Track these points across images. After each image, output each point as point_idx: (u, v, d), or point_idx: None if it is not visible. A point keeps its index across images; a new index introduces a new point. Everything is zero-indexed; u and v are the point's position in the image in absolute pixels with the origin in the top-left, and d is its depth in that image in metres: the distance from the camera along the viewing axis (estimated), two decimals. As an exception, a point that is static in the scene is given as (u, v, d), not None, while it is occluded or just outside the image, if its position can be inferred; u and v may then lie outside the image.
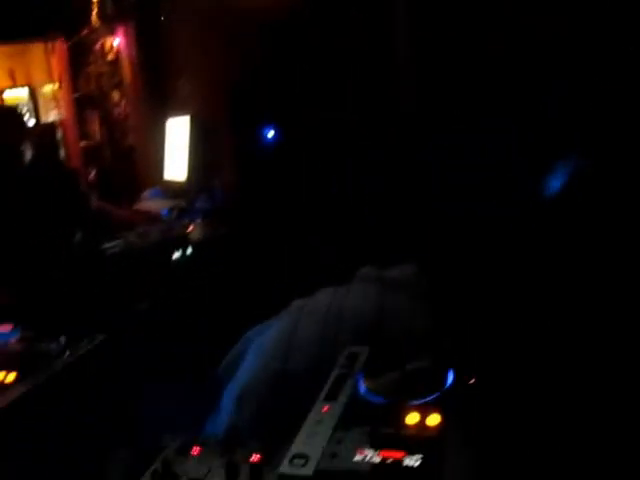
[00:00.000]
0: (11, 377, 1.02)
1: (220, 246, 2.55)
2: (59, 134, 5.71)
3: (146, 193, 4.01)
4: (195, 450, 1.05)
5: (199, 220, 2.93)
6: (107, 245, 2.55)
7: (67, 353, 1.11)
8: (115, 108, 5.42)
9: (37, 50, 6.57)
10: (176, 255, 2.51)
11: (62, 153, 5.53)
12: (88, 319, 1.41)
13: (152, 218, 3.27)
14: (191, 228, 2.76)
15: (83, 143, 5.93)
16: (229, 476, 0.98)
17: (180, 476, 0.98)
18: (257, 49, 3.04)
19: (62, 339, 1.16)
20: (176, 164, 3.84)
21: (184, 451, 1.06)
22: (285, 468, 0.75)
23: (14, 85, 7.07)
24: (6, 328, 1.78)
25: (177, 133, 3.91)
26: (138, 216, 3.37)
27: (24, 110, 5.90)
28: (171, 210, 3.31)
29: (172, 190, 3.77)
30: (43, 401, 1.00)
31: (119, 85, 5.27)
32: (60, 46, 5.91)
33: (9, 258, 2.33)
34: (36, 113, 6.79)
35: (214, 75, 3.58)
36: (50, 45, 5.86)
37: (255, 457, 1.01)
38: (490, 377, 0.90)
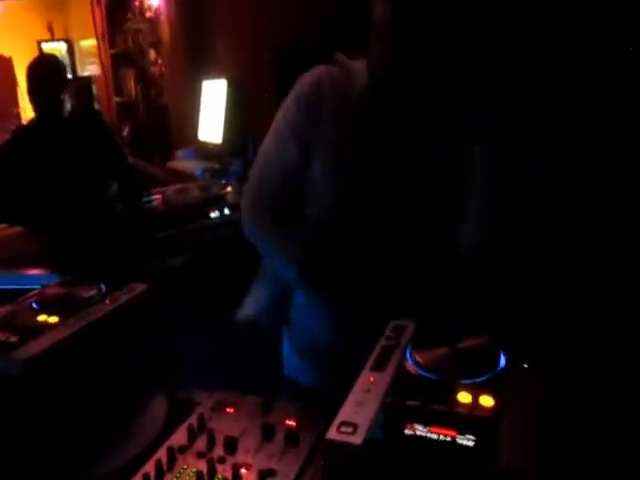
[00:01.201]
0: (53, 319, 1.01)
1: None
2: (95, 89, 5.70)
3: (180, 152, 4.00)
4: (230, 408, 1.05)
5: (234, 182, 2.91)
6: (147, 199, 2.55)
7: (107, 300, 1.10)
8: (151, 66, 5.40)
9: (76, 4, 6.56)
10: (213, 214, 2.50)
11: (97, 107, 5.53)
12: (127, 269, 1.41)
13: (185, 177, 3.27)
14: (228, 189, 2.75)
15: (118, 99, 5.93)
16: (265, 437, 0.97)
17: (215, 433, 0.97)
18: (301, 12, 2.96)
19: (102, 286, 1.15)
20: (211, 126, 3.82)
21: (219, 408, 1.05)
22: (333, 434, 0.73)
23: (52, 38, 7.08)
24: (41, 272, 1.80)
25: (213, 95, 3.88)
26: (171, 174, 3.37)
27: (62, 62, 5.90)
28: (205, 171, 3.30)
29: (206, 151, 3.75)
30: (84, 345, 1.00)
31: (157, 43, 5.24)
32: (100, 1, 5.88)
33: (50, 204, 2.35)
34: (73, 67, 6.81)
35: (254, 38, 3.52)
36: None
37: (291, 421, 1.00)
38: (543, 362, 0.87)
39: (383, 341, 0.94)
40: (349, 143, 1.16)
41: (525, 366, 0.85)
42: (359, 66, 1.18)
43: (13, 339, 0.95)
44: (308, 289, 1.27)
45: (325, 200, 1.19)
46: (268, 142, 1.27)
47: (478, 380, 0.80)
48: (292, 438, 0.96)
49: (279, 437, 0.97)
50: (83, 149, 2.47)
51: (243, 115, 3.54)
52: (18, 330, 0.98)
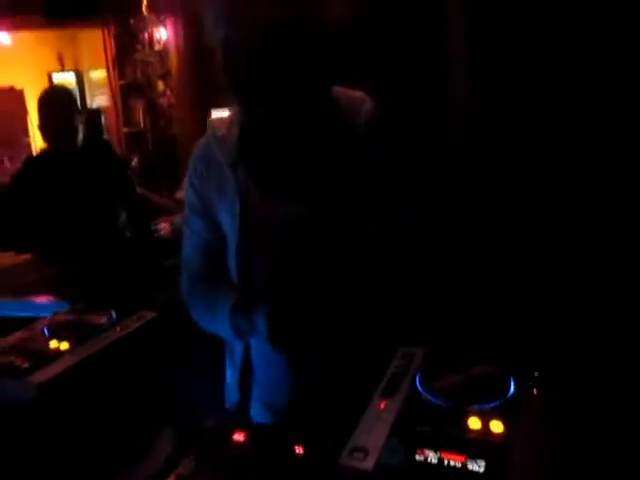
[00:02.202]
0: (65, 345, 1.03)
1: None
2: (104, 119, 5.79)
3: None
4: (238, 436, 1.04)
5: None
6: (155, 227, 2.58)
7: (117, 328, 1.11)
8: (160, 97, 5.49)
9: (86, 35, 6.70)
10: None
11: (106, 137, 5.61)
12: (136, 297, 1.42)
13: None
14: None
15: (126, 129, 6.02)
16: (273, 465, 0.96)
17: (224, 462, 0.97)
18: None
19: (113, 314, 1.16)
20: (218, 156, 3.86)
21: (226, 435, 1.05)
22: (345, 460, 0.73)
23: (62, 69, 7.22)
24: (51, 299, 1.81)
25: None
26: (179, 204, 3.40)
27: (71, 93, 6.00)
28: (212, 201, 3.32)
29: (213, 181, 3.79)
30: (93, 372, 1.00)
31: (165, 75, 5.34)
32: (110, 32, 6.01)
33: (61, 233, 2.37)
34: (82, 98, 6.92)
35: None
36: (103, 30, 5.95)
37: (299, 448, 1.00)
38: (553, 388, 0.87)
39: (392, 368, 0.94)
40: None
41: (535, 392, 0.85)
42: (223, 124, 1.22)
43: (26, 364, 0.97)
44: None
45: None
46: (184, 231, 1.30)
47: (488, 406, 0.81)
48: (301, 465, 0.96)
49: (288, 464, 0.97)
50: (94, 179, 2.51)
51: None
52: (31, 356, 0.99)
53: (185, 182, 1.29)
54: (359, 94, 1.21)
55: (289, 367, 1.18)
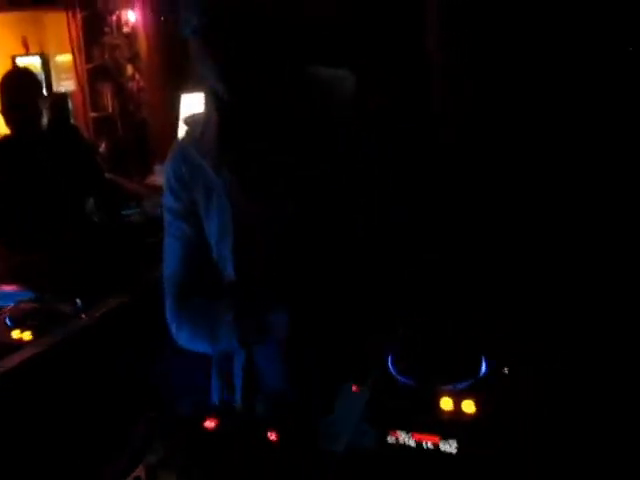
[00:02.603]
0: (27, 335, 1.00)
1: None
2: (70, 104, 5.66)
3: (158, 167, 3.97)
4: (210, 423, 1.03)
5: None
6: (124, 212, 2.53)
7: (82, 316, 1.08)
8: (129, 81, 5.38)
9: (51, 19, 6.51)
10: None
11: (73, 122, 5.48)
12: (104, 284, 1.39)
13: (163, 191, 3.25)
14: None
15: (94, 114, 5.89)
16: (246, 452, 0.95)
17: (196, 449, 0.95)
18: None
19: (78, 301, 1.13)
20: (189, 140, 3.80)
21: (198, 422, 1.03)
22: (317, 444, 0.72)
23: (27, 53, 7.02)
24: (15, 288, 1.76)
25: (192, 108, 3.86)
26: (149, 189, 3.34)
27: (37, 77, 5.85)
28: (183, 185, 3.28)
29: (184, 165, 3.73)
30: (58, 361, 0.97)
31: (134, 58, 5.22)
32: (75, 15, 5.85)
33: (26, 219, 2.31)
34: (48, 82, 6.75)
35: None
36: (67, 13, 5.79)
37: (272, 434, 0.98)
38: (524, 368, 0.87)
39: (366, 351, 0.93)
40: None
41: (506, 371, 0.84)
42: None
43: (-15, 356, 0.93)
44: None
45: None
46: (165, 243, 1.23)
47: (460, 386, 0.80)
48: (274, 451, 0.95)
49: (261, 451, 0.95)
50: (60, 164, 2.44)
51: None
52: (-9, 346, 0.96)
53: (164, 187, 1.21)
54: (341, 72, 1.16)
55: (289, 371, 1.14)
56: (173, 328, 1.18)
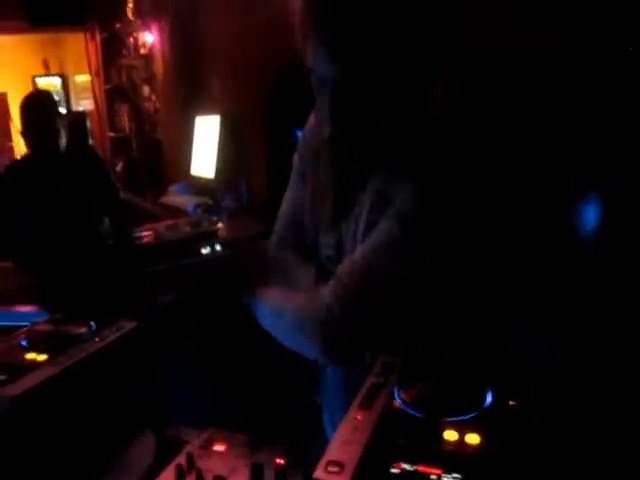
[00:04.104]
0: (42, 357, 1.02)
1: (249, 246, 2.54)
2: (89, 124, 5.75)
3: (172, 188, 4.03)
4: (219, 447, 1.04)
5: (226, 218, 2.94)
6: (137, 234, 2.56)
7: (96, 338, 1.10)
8: (145, 102, 5.48)
9: (71, 40, 6.68)
10: (204, 250, 2.51)
11: (91, 142, 5.57)
12: (117, 306, 1.41)
13: (177, 213, 3.29)
14: (220, 225, 2.77)
15: (111, 134, 5.99)
16: (254, 476, 0.96)
17: (204, 472, 0.97)
18: (294, 48, 3.03)
19: (92, 324, 1.15)
20: (204, 161, 3.86)
21: (207, 446, 1.05)
22: (320, 474, 0.73)
23: (47, 73, 7.18)
24: (30, 308, 1.79)
25: (206, 131, 3.93)
26: (163, 210, 3.39)
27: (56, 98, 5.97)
28: (197, 206, 3.33)
29: (198, 186, 3.79)
30: (73, 383, 0.99)
31: (150, 80, 5.32)
32: (95, 37, 5.99)
33: (42, 240, 2.35)
34: (67, 102, 6.89)
35: (247, 74, 3.59)
36: (86, 35, 5.93)
37: (280, 460, 1.00)
38: (531, 400, 0.88)
39: (371, 378, 0.94)
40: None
41: (512, 403, 0.85)
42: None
43: (1, 377, 0.95)
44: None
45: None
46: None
47: (464, 418, 0.81)
48: (281, 476, 0.96)
49: (268, 476, 0.97)
50: (77, 185, 2.49)
51: (236, 151, 3.59)
52: (6, 368, 0.98)
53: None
54: None
55: None
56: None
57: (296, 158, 1.31)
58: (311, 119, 1.29)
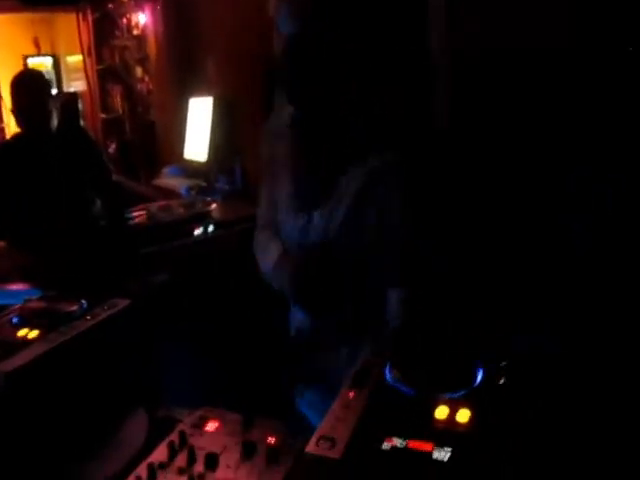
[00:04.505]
0: (34, 334, 1.02)
1: (241, 227, 2.54)
2: (80, 104, 5.70)
3: (166, 170, 4.01)
4: (212, 425, 1.05)
5: (220, 200, 2.93)
6: (130, 215, 2.56)
7: (88, 316, 1.10)
8: (138, 83, 5.41)
9: (62, 20, 6.58)
10: (198, 231, 2.51)
11: (82, 123, 5.53)
12: (110, 285, 1.42)
13: (170, 194, 3.28)
14: (213, 206, 2.76)
15: (104, 115, 5.93)
16: (245, 454, 0.97)
17: (196, 450, 0.97)
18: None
19: (84, 302, 1.15)
20: (197, 143, 3.83)
21: (200, 425, 1.05)
22: (312, 448, 0.74)
23: (38, 53, 7.08)
24: (23, 286, 1.79)
25: (200, 113, 3.90)
26: (156, 192, 3.37)
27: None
28: (190, 189, 3.32)
29: (191, 169, 3.76)
30: (64, 360, 1.00)
31: (143, 60, 5.26)
32: (87, 17, 5.91)
33: (34, 220, 2.34)
34: (58, 82, 6.81)
35: (241, 56, 3.55)
36: (78, 15, 5.85)
37: (272, 439, 1.00)
38: (519, 377, 0.89)
39: (364, 356, 0.95)
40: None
41: (502, 381, 0.86)
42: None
43: (-7, 354, 0.95)
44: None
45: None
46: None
47: (455, 395, 0.82)
48: (273, 455, 0.96)
49: (260, 454, 0.97)
50: (68, 165, 2.47)
51: (229, 133, 3.56)
52: (-1, 345, 0.98)
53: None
54: (391, 158, 1.26)
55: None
56: (255, 252, 1.45)
57: (264, 152, 1.44)
58: (275, 116, 1.42)
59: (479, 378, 0.86)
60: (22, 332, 1.02)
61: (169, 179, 3.85)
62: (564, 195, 1.76)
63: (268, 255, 1.38)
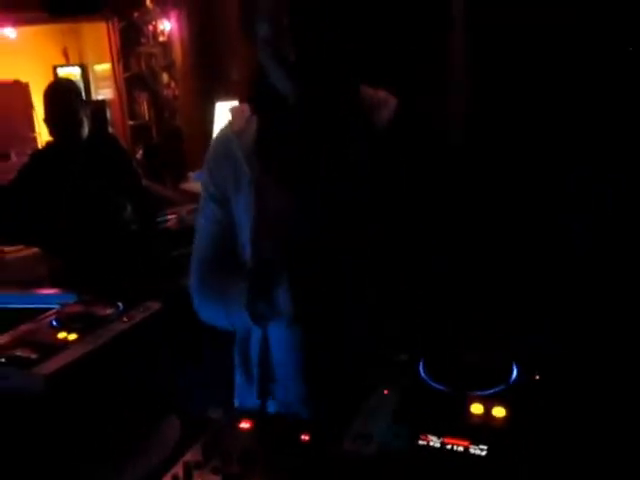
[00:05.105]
0: (73, 337, 1.04)
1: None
2: (108, 112, 5.80)
3: (192, 174, 4.06)
4: (245, 424, 1.05)
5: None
6: (161, 219, 2.59)
7: (124, 319, 1.12)
8: (164, 89, 5.49)
9: (90, 29, 6.71)
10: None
11: (111, 130, 5.62)
12: (143, 288, 1.44)
13: (198, 198, 3.31)
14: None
15: (131, 122, 6.03)
16: (279, 453, 0.98)
17: (231, 450, 0.98)
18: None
19: (119, 305, 1.17)
20: (223, 147, 3.86)
21: (234, 424, 1.06)
22: (349, 446, 0.74)
23: (67, 63, 7.24)
24: (57, 291, 1.83)
25: (226, 117, 3.93)
26: (184, 196, 3.41)
27: (76, 87, 6.01)
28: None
29: (218, 173, 3.80)
30: (102, 363, 1.02)
31: (169, 67, 5.34)
32: (114, 26, 6.01)
33: (68, 226, 2.39)
34: (87, 91, 6.95)
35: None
36: (108, 24, 5.96)
37: (306, 436, 1.01)
38: (554, 375, 0.88)
39: (397, 354, 0.95)
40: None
41: (537, 378, 0.85)
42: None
43: (34, 356, 0.98)
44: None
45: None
46: (197, 222, 1.29)
47: (490, 392, 0.82)
48: (307, 453, 0.97)
49: (294, 452, 0.98)
50: (100, 172, 2.52)
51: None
52: (38, 347, 1.00)
53: (204, 168, 1.29)
54: (382, 93, 1.21)
55: (304, 359, 1.18)
56: (195, 303, 1.24)
57: (208, 185, 1.25)
58: (217, 137, 1.28)
59: (514, 375, 0.85)
60: (61, 335, 1.05)
61: (196, 183, 3.89)
62: (564, 195, 1.75)
63: (233, 289, 1.16)
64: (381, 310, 1.11)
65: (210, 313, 1.24)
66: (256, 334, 1.21)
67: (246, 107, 1.24)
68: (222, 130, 1.29)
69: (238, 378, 1.30)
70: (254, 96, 1.23)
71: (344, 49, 1.14)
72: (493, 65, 1.98)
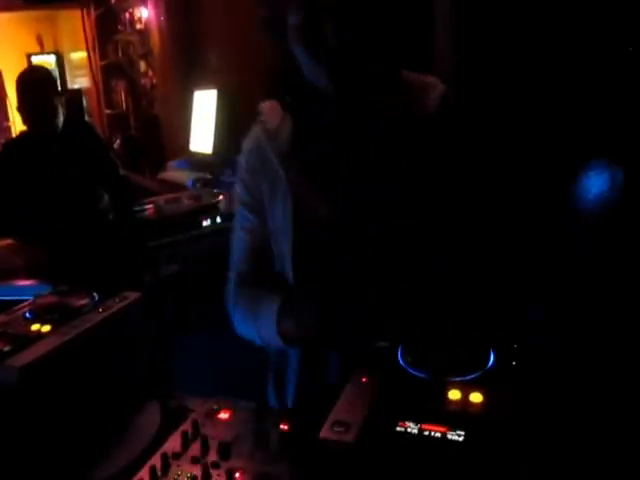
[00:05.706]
0: (46, 328, 1.02)
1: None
2: (85, 101, 5.71)
3: (171, 163, 4.02)
4: (224, 414, 1.05)
5: (226, 192, 2.94)
6: (139, 209, 2.57)
7: (100, 309, 1.11)
8: (142, 77, 5.42)
9: (65, 17, 6.59)
10: (206, 223, 2.52)
11: (88, 119, 5.53)
12: (120, 278, 1.42)
13: (176, 188, 3.29)
14: (220, 198, 2.77)
15: (108, 111, 5.95)
16: (258, 442, 0.97)
17: (209, 439, 0.97)
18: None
19: (95, 295, 1.15)
20: (202, 136, 3.83)
21: (213, 414, 1.05)
22: (326, 433, 0.74)
23: (42, 51, 7.10)
24: (31, 282, 1.80)
25: (204, 105, 3.89)
26: (162, 185, 3.38)
27: (51, 75, 5.91)
28: (196, 181, 3.33)
29: (197, 161, 3.77)
30: (77, 354, 1.00)
31: (147, 55, 5.26)
32: (90, 13, 5.91)
33: (43, 216, 2.35)
34: (62, 79, 6.82)
35: (245, 48, 3.54)
36: (82, 11, 5.85)
37: (284, 426, 1.00)
38: (531, 360, 0.88)
39: (376, 342, 0.95)
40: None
41: (514, 363, 0.86)
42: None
43: (7, 348, 0.96)
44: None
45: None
46: (234, 235, 1.25)
47: (468, 378, 0.82)
48: (286, 442, 0.97)
49: (273, 441, 0.98)
50: (76, 161, 2.48)
51: (234, 124, 3.56)
52: (12, 339, 0.98)
53: (236, 179, 1.24)
54: (431, 79, 1.15)
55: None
56: (230, 313, 1.22)
57: (243, 196, 1.19)
58: (248, 142, 1.20)
59: (491, 361, 0.86)
60: (35, 326, 1.03)
61: (175, 172, 3.86)
62: (564, 195, 1.76)
63: (264, 307, 1.13)
64: (381, 310, 1.07)
65: (245, 330, 1.21)
66: (293, 359, 1.18)
67: (277, 104, 1.16)
68: (252, 133, 1.20)
69: (271, 400, 1.27)
70: (285, 91, 1.14)
71: (384, 34, 1.07)
72: (484, 65, 1.98)
